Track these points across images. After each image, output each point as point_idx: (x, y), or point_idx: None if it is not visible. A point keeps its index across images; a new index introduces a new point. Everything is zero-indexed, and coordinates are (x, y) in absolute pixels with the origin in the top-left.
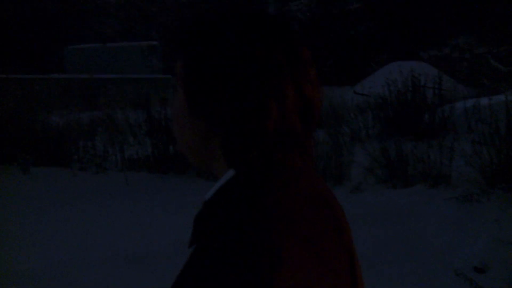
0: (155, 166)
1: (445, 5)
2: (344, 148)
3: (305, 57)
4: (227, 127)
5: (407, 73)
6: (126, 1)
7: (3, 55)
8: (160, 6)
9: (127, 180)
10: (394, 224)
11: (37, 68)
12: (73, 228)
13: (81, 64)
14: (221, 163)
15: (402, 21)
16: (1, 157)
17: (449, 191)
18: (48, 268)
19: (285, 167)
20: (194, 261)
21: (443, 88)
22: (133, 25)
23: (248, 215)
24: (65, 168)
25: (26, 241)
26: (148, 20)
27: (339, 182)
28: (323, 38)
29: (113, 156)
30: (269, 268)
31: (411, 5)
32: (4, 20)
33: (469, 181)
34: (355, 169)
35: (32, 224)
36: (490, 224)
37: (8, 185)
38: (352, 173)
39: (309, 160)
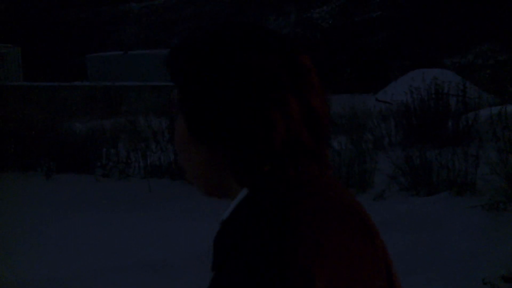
0: (178, 173)
1: (468, 12)
2: (367, 156)
3: (305, 64)
4: (234, 147)
5: (430, 80)
6: (147, 9)
7: (27, 63)
8: (181, 13)
9: (150, 187)
10: (418, 232)
11: (60, 76)
12: (95, 234)
13: (103, 71)
14: (233, 185)
15: (424, 28)
16: (24, 163)
17: (474, 199)
18: (69, 275)
19: (301, 179)
20: (218, 286)
21: (467, 95)
22: (154, 32)
23: (270, 234)
24: (88, 174)
25: (47, 247)
26: (169, 27)
27: (362, 189)
28: (345, 46)
29: (136, 163)
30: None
31: (433, 12)
32: (28, 29)
33: (494, 189)
34: (378, 176)
35: (54, 231)
36: None
37: (31, 191)
38: (376, 180)
39: (327, 170)
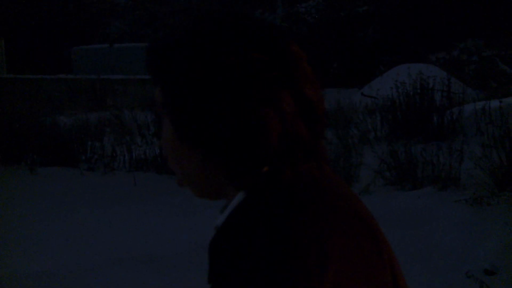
0: (163, 167)
1: (453, 8)
2: (352, 150)
3: (295, 52)
4: (226, 149)
5: (416, 75)
6: (133, 2)
7: (12, 55)
8: (168, 7)
9: (135, 181)
10: (403, 226)
11: (45, 69)
12: (81, 228)
13: (88, 64)
14: (229, 187)
15: (410, 24)
16: (9, 157)
17: (458, 194)
18: (56, 270)
19: (302, 177)
20: None
21: (452, 90)
22: (140, 26)
23: (276, 237)
24: (73, 168)
25: (34, 242)
26: (155, 21)
27: (348, 184)
28: (331, 40)
29: (121, 157)
30: None
31: (419, 8)
32: (12, 21)
33: (478, 184)
34: (363, 171)
35: (40, 225)
36: (500, 226)
37: (16, 185)
38: (361, 175)
39: (326, 165)
